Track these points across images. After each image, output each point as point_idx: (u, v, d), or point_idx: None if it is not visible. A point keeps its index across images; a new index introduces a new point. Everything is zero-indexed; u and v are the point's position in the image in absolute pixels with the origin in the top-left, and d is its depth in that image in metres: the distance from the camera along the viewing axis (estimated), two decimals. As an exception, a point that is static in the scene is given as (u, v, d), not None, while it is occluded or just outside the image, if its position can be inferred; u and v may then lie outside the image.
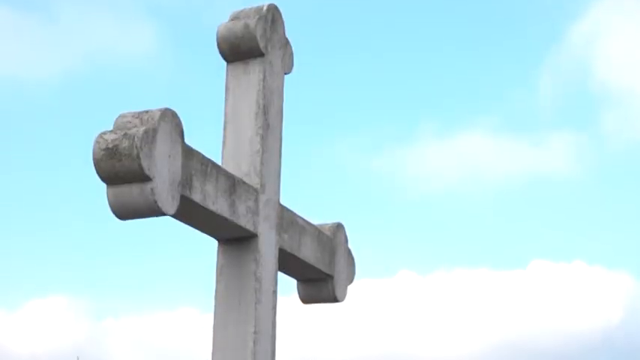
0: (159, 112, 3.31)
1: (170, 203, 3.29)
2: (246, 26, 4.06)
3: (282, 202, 4.23)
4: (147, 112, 3.31)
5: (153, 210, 3.24)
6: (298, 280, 4.65)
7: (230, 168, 3.91)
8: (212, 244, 3.98)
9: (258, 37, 4.07)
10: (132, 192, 3.21)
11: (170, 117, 3.36)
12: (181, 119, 3.43)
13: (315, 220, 4.61)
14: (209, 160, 3.64)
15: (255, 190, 3.94)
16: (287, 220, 4.20)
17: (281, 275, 4.20)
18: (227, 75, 4.18)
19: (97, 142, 3.23)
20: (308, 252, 4.36)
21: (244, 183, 3.87)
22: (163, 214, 3.28)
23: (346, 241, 4.82)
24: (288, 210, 4.25)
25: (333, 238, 4.67)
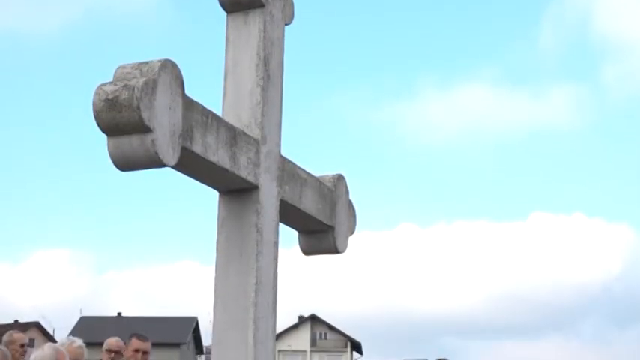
0: (159, 63, 3.29)
1: (171, 155, 3.29)
2: (246, -24, 4.02)
3: (283, 153, 4.23)
4: (147, 63, 3.29)
5: (153, 161, 3.24)
6: (299, 232, 4.67)
7: (231, 119, 3.90)
8: (213, 196, 3.99)
9: (259, -13, 4.03)
10: (132, 143, 3.20)
11: (170, 68, 3.34)
12: (181, 70, 3.41)
13: (316, 172, 4.61)
14: (210, 111, 3.63)
15: (256, 141, 3.94)
16: (288, 171, 4.20)
17: (282, 227, 4.21)
18: (227, 26, 4.15)
19: (96, 93, 3.22)
20: (309, 203, 4.37)
21: (245, 134, 3.86)
22: (164, 165, 3.28)
23: (347, 192, 4.83)
24: (289, 162, 4.25)
25: (334, 190, 4.67)
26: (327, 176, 4.71)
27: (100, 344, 8.13)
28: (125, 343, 7.73)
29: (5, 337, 7.92)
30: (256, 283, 3.76)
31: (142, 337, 7.71)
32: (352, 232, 4.88)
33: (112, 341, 8.19)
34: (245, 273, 3.77)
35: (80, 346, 6.89)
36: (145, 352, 7.62)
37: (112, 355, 8.07)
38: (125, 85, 3.19)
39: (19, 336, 8.10)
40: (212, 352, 3.79)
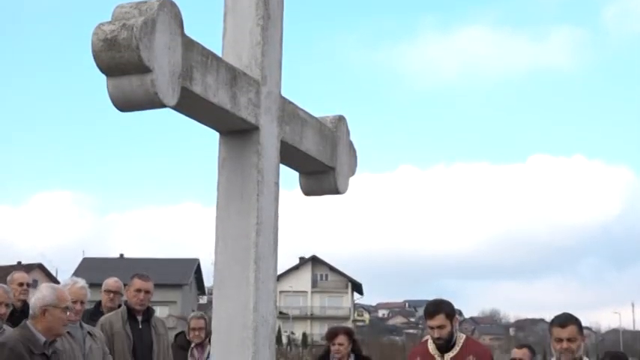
0: (157, 2, 3.25)
1: (170, 95, 3.27)
2: None
3: (284, 94, 4.20)
4: (145, 2, 3.25)
5: (153, 102, 3.22)
6: (300, 173, 4.67)
7: (230, 60, 3.87)
8: (214, 137, 3.98)
9: None
10: (132, 83, 3.19)
11: (169, 7, 3.30)
12: (180, 10, 3.38)
13: (317, 113, 4.60)
14: (209, 51, 3.60)
15: (257, 82, 3.92)
16: (288, 112, 4.19)
17: (283, 168, 4.21)
18: (226, -36, 4.09)
19: (95, 33, 3.19)
20: (310, 144, 4.36)
21: (245, 75, 3.84)
22: (164, 105, 3.27)
23: (348, 133, 4.81)
24: (289, 102, 4.23)
25: (334, 131, 4.66)
26: (328, 117, 4.69)
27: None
28: (126, 284, 7.78)
29: (8, 278, 7.98)
30: (257, 224, 3.77)
31: (143, 277, 7.75)
32: (353, 173, 4.88)
33: (111, 282, 8.24)
34: (246, 213, 3.78)
35: (83, 287, 6.92)
36: (146, 292, 7.67)
37: (111, 295, 8.13)
38: (124, 25, 3.16)
39: (18, 275, 8.15)
40: (214, 292, 3.82)
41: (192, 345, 7.20)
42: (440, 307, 6.37)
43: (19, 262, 60.74)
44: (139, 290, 7.64)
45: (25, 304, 6.82)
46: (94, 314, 7.62)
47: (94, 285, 8.41)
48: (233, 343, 3.50)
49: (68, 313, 5.48)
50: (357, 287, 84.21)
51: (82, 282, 7.01)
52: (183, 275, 70.45)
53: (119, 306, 8.08)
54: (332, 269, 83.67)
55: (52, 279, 61.35)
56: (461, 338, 6.42)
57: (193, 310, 18.97)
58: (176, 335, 8.72)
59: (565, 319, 6.00)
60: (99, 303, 8.15)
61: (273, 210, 3.94)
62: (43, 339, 5.40)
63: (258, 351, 3.46)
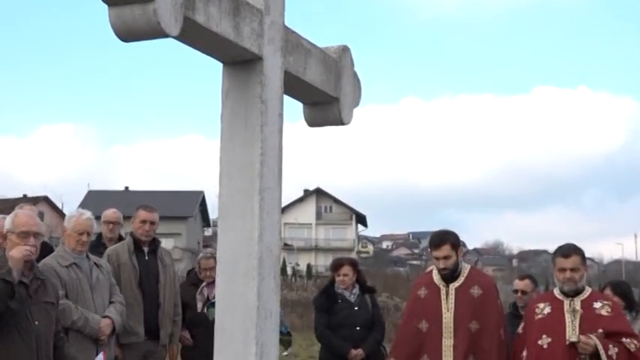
0: None
1: (173, 24, 3.24)
2: None
3: (287, 24, 4.15)
4: None
5: (156, 31, 3.19)
6: (304, 104, 4.65)
7: (233, -12, 3.81)
8: (217, 69, 3.95)
9: None
10: (134, 13, 3.15)
11: None
12: (182, -63, 3.31)
13: (321, 44, 4.55)
14: (212, -20, 3.54)
15: (260, 11, 3.87)
16: (292, 42, 4.15)
17: (287, 100, 4.18)
18: None
19: (95, -39, 3.14)
20: (313, 75, 4.33)
21: (248, 4, 3.79)
22: (166, 35, 3.23)
23: (352, 64, 4.77)
24: (293, 32, 4.19)
25: (339, 61, 4.62)
26: (332, 47, 4.65)
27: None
28: (131, 217, 7.80)
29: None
30: (261, 154, 3.76)
31: (148, 208, 7.77)
32: (357, 104, 4.86)
33: (110, 213, 8.26)
34: (250, 144, 3.77)
35: (89, 218, 6.96)
36: (152, 223, 7.70)
37: (111, 226, 8.17)
38: (125, -47, 3.10)
39: (28, 208, 8.19)
40: (219, 223, 3.84)
41: (204, 284, 7.27)
42: (445, 238, 6.41)
43: (25, 195, 61.03)
44: (144, 221, 7.68)
45: None
46: (95, 246, 7.66)
47: (100, 217, 8.46)
48: (238, 273, 3.52)
49: (31, 240, 5.23)
50: (361, 219, 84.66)
51: (88, 213, 7.04)
52: (187, 207, 70.83)
53: (119, 237, 8.12)
54: (336, 201, 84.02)
55: (58, 212, 61.68)
56: (465, 268, 6.47)
57: (199, 243, 19.06)
58: (188, 272, 8.77)
59: (568, 250, 6.04)
60: (100, 235, 8.19)
61: (277, 141, 3.93)
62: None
63: (263, 281, 3.49)
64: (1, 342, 5.14)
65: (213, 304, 6.74)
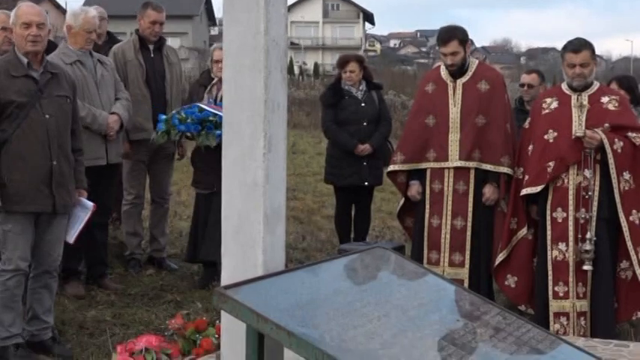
0: None
1: None
2: None
3: None
4: None
5: None
6: None
7: None
8: None
9: None
10: None
11: None
12: None
13: None
14: None
15: None
16: None
17: None
18: None
19: None
20: None
21: None
22: None
23: None
24: None
25: None
26: None
27: (113, 17, 8.09)
28: (128, 15, 7.68)
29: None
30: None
31: (157, 9, 7.63)
32: None
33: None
34: None
35: (94, 16, 6.87)
36: (161, 24, 7.62)
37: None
38: None
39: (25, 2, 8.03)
40: (224, 17, 3.76)
41: (214, 81, 7.24)
42: (453, 33, 6.31)
43: (27, -6, 59.94)
44: (154, 22, 7.58)
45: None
46: None
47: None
48: (245, 66, 3.49)
49: (34, 29, 5.27)
50: (369, 17, 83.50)
51: (93, 11, 6.94)
52: (193, 5, 69.77)
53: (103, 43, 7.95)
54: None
55: (62, 11, 60.82)
56: (473, 64, 6.41)
57: (205, 42, 18.90)
58: (202, 73, 8.73)
59: (579, 45, 5.96)
60: None
61: None
62: (25, 60, 5.34)
63: (270, 74, 3.45)
64: (13, 136, 5.22)
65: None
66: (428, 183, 6.34)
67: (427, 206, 6.34)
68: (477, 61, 6.50)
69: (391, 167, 6.50)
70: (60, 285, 5.91)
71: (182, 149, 7.91)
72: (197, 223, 7.33)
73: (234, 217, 3.49)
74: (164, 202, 7.88)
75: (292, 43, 68.43)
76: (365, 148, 7.86)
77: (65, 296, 6.60)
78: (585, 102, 5.94)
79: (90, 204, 5.65)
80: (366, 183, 7.99)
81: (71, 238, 5.62)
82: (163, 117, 7.00)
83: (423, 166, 6.35)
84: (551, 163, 5.87)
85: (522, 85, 7.98)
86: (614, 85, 7.29)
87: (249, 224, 3.43)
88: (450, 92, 6.32)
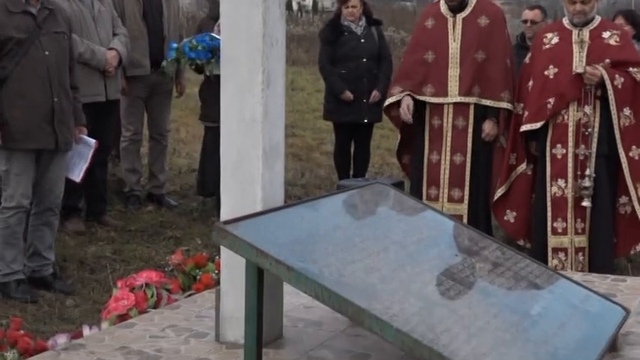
0: None
1: None
2: None
3: None
4: None
5: None
6: None
7: None
8: None
9: None
10: None
11: None
12: None
13: None
14: None
15: None
16: None
17: None
18: None
19: None
20: None
21: None
22: None
23: None
24: None
25: None
26: None
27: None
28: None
29: None
30: None
31: None
32: None
33: None
34: None
35: None
36: None
37: None
38: None
39: None
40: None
41: None
42: (453, -32, 6.21)
43: None
44: None
45: None
46: None
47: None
48: (242, 0, 3.44)
49: None
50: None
51: None
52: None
53: None
54: None
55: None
56: (473, -2, 6.31)
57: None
58: (211, 7, 8.59)
59: (580, -20, 5.88)
60: None
61: None
62: None
63: (267, 9, 3.40)
64: (13, 73, 5.18)
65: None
66: (427, 119, 6.30)
67: (426, 142, 6.32)
68: (477, -5, 6.39)
69: (388, 100, 6.40)
70: (60, 221, 5.94)
71: (181, 86, 7.86)
72: (205, 157, 7.33)
73: (233, 153, 3.48)
74: (162, 138, 7.86)
75: (291, -21, 67.61)
76: (375, 95, 7.80)
77: (65, 233, 6.63)
78: (586, 38, 5.89)
79: (92, 141, 5.64)
80: (365, 120, 7.97)
81: (78, 177, 5.62)
82: (175, 45, 6.99)
83: (421, 97, 6.24)
84: (552, 100, 5.85)
85: (525, 22, 7.89)
86: (619, 20, 7.21)
87: (248, 160, 3.42)
88: (450, 27, 6.25)
